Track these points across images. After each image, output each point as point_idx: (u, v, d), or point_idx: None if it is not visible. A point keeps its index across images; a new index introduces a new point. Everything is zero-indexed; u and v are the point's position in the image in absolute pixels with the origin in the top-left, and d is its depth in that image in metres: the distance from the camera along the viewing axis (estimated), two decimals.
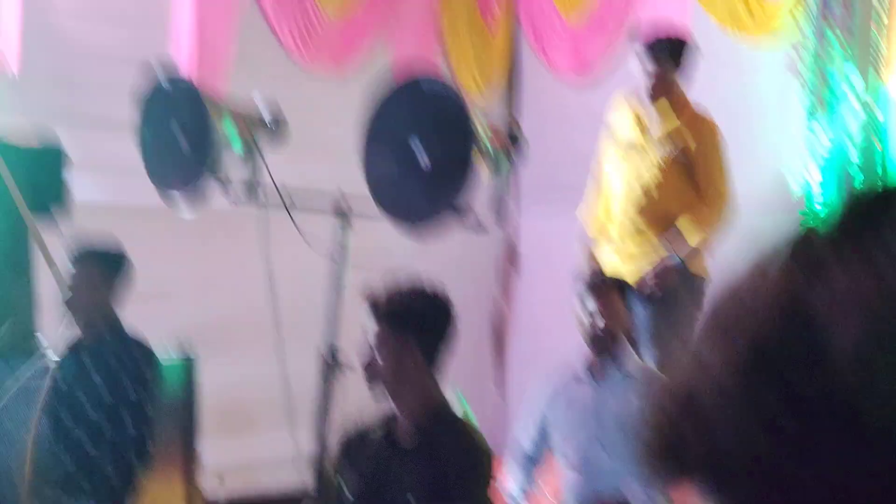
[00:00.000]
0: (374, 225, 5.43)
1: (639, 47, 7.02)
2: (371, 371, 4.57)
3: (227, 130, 5.51)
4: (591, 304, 5.80)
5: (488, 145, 5.38)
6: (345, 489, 4.64)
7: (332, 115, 7.14)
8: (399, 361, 4.51)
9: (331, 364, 5.16)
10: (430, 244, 5.58)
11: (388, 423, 4.62)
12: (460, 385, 6.99)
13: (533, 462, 5.98)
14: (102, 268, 5.83)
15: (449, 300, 4.70)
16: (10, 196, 6.48)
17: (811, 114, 8.68)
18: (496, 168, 5.55)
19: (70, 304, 5.74)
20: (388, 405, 4.64)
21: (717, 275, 6.75)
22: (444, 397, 4.64)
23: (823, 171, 8.59)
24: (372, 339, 4.55)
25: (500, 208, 5.69)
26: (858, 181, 8.53)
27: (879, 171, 8.63)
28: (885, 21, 8.70)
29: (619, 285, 6.00)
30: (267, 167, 5.53)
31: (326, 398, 5.13)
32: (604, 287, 5.90)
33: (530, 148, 5.78)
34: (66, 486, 5.82)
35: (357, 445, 4.71)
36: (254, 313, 7.00)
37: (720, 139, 6.84)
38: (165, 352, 6.39)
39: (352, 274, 5.39)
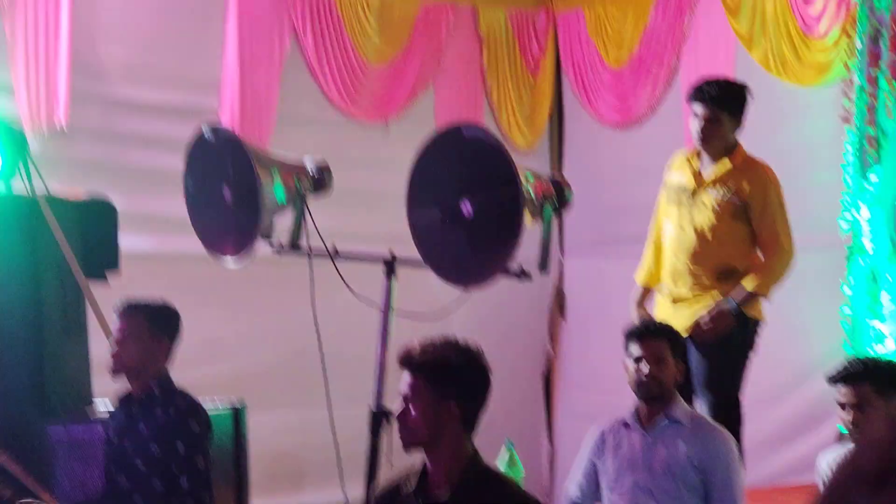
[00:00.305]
0: (421, 274, 5.42)
1: (692, 91, 6.98)
2: (404, 423, 4.55)
3: (272, 182, 5.53)
4: (637, 351, 5.77)
5: (532, 193, 5.37)
6: None
7: (376, 164, 7.17)
8: (434, 413, 4.48)
9: (379, 415, 5.14)
10: (477, 293, 5.55)
11: (421, 476, 4.59)
12: (511, 435, 6.98)
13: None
14: (150, 321, 5.83)
15: (482, 355, 4.67)
16: (62, 256, 6.44)
17: (860, 153, 8.66)
18: (541, 216, 5.54)
19: (116, 357, 5.75)
20: (421, 458, 4.60)
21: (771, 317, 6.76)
22: (476, 451, 4.59)
23: (872, 209, 8.55)
24: (405, 389, 4.52)
25: (545, 257, 5.66)
26: None
27: None
28: None
29: (668, 333, 5.96)
30: (311, 216, 5.53)
31: (375, 450, 5.11)
32: (650, 334, 5.87)
33: (575, 195, 5.76)
34: None
35: (390, 500, 4.68)
36: (302, 363, 7.00)
37: (777, 185, 6.80)
38: (213, 403, 6.40)
39: (399, 323, 5.38)
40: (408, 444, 4.55)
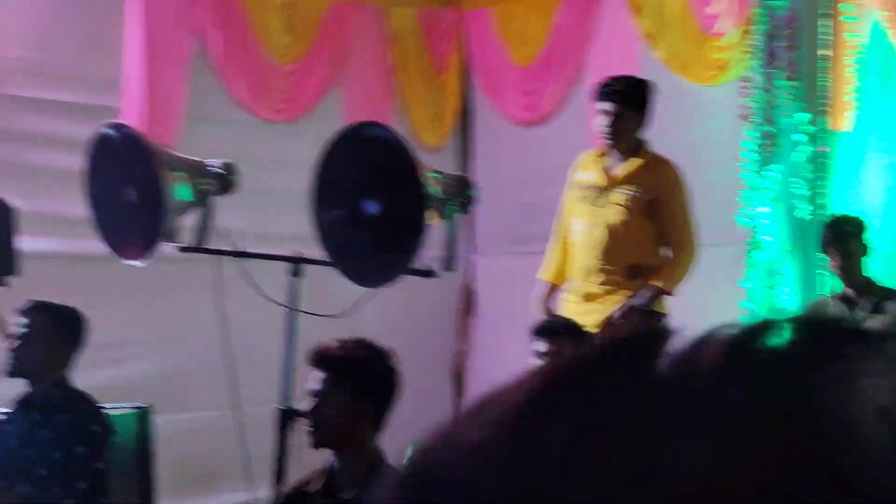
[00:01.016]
0: (327, 272, 5.44)
1: (598, 88, 7.02)
2: (315, 421, 4.55)
3: (178, 182, 5.52)
4: (542, 347, 5.80)
5: (437, 192, 5.40)
6: None
7: (284, 164, 7.15)
8: (346, 412, 4.49)
9: (286, 414, 5.14)
10: (384, 292, 5.57)
11: (328, 476, 4.59)
12: (418, 434, 6.98)
13: None
14: (55, 322, 5.78)
15: (393, 355, 4.69)
16: None
17: (758, 152, 8.79)
18: (446, 215, 5.57)
19: (16, 356, 5.68)
20: (328, 458, 4.61)
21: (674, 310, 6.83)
22: (381, 451, 4.61)
23: (771, 204, 8.68)
24: (317, 386, 4.53)
25: (451, 255, 5.70)
26: (804, 214, 8.68)
27: (824, 204, 8.80)
28: (830, 63, 8.86)
29: (571, 330, 6.00)
30: (215, 215, 5.53)
31: (283, 450, 5.12)
32: (553, 331, 5.90)
33: (486, 194, 5.80)
34: None
35: (297, 500, 4.69)
36: (210, 364, 6.98)
37: (684, 184, 6.89)
38: (117, 402, 6.35)
39: (307, 323, 5.39)
40: (317, 443, 4.58)
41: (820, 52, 8.86)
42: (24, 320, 5.71)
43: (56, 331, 5.70)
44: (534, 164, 9.46)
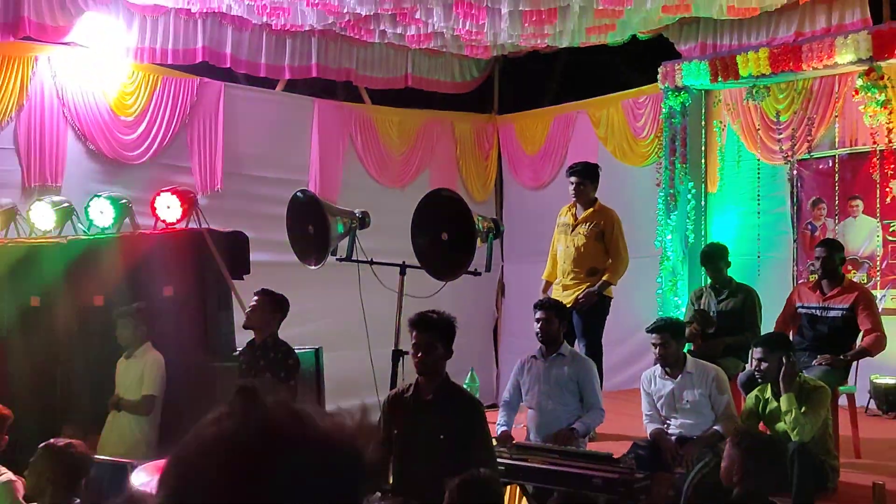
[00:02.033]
0: (420, 273, 5.46)
1: (568, 169, 7.04)
2: (420, 360, 4.52)
3: (336, 221, 5.58)
4: (539, 315, 5.79)
5: (481, 227, 5.41)
6: (392, 428, 4.59)
7: (396, 211, 7.20)
8: (432, 352, 4.48)
9: (396, 353, 5.17)
10: (454, 284, 5.58)
11: (416, 386, 4.59)
12: (473, 364, 6.98)
13: (511, 406, 5.95)
14: (271, 301, 5.79)
15: (455, 319, 4.64)
16: (217, 265, 6.44)
17: (665, 204, 8.78)
18: (485, 240, 5.60)
19: (249, 319, 5.72)
20: (419, 377, 4.57)
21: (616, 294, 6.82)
22: (447, 374, 4.58)
23: (672, 234, 8.65)
24: (419, 340, 4.50)
25: (489, 262, 5.72)
26: (691, 240, 8.70)
27: (704, 233, 8.76)
28: (705, 153, 8.85)
29: (556, 306, 5.97)
30: (358, 241, 5.58)
31: (394, 373, 5.15)
32: (545, 307, 5.88)
33: (507, 228, 5.81)
34: None
35: (397, 398, 4.67)
36: (353, 325, 7.00)
37: (618, 221, 6.87)
38: (302, 346, 6.36)
39: (407, 302, 5.40)
40: (420, 372, 4.52)
41: (700, 148, 8.87)
42: (256, 298, 5.74)
43: (271, 305, 5.73)
44: (538, 211, 9.46)
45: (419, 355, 4.48)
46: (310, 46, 9.23)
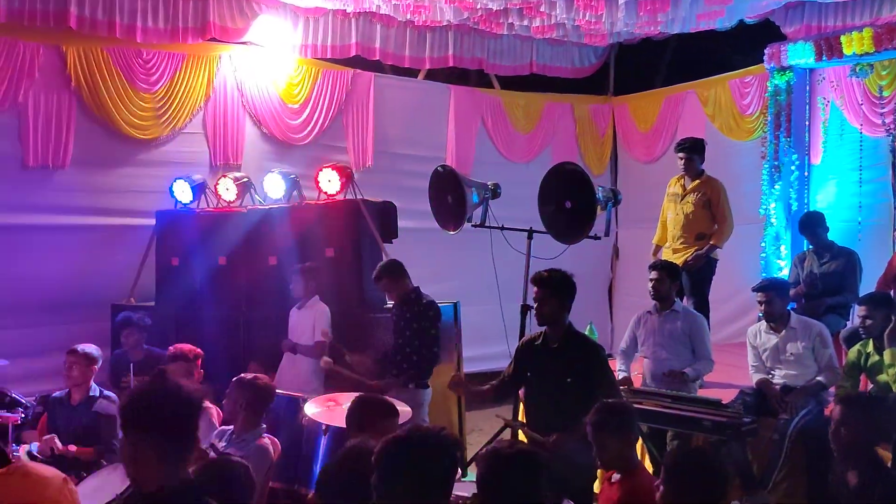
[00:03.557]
0: (545, 237, 5.41)
1: (677, 145, 6.83)
2: (540, 313, 4.47)
3: (472, 193, 5.57)
4: (653, 276, 5.67)
5: (600, 196, 5.31)
6: (525, 370, 4.57)
7: (521, 183, 7.13)
8: (550, 304, 4.42)
9: (524, 307, 5.15)
10: (574, 247, 5.49)
11: (544, 335, 4.54)
12: (591, 318, 6.89)
13: (628, 355, 5.87)
14: (395, 268, 5.77)
15: (573, 277, 4.56)
16: (370, 231, 6.48)
17: (770, 175, 8.43)
18: (604, 207, 5.49)
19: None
20: (545, 328, 4.53)
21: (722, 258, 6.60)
22: (570, 323, 4.47)
23: (776, 202, 8.30)
24: (540, 296, 4.45)
25: (608, 228, 5.61)
26: (794, 207, 8.29)
27: (806, 201, 8.37)
28: (807, 125, 8.40)
29: (668, 267, 5.83)
30: (490, 209, 5.57)
31: (522, 325, 5.13)
32: (658, 267, 5.75)
33: (622, 197, 5.69)
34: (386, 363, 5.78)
35: (527, 345, 4.63)
36: (486, 283, 6.99)
37: (724, 191, 6.64)
38: (443, 300, 6.36)
39: (534, 263, 5.36)
40: (540, 322, 4.50)
41: (804, 123, 8.44)
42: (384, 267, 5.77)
43: (400, 271, 5.70)
44: (649, 183, 9.20)
45: (537, 308, 4.46)
46: (447, 39, 9.23)
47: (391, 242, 6.66)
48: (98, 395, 4.96)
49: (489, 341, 8.12)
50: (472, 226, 5.62)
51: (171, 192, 7.34)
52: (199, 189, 7.34)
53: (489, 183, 5.71)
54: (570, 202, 5.27)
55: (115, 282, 7.17)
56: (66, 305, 6.98)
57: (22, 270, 6.85)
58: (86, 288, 7.05)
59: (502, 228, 5.53)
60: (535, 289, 4.47)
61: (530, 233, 5.46)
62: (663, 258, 6.63)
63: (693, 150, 6.68)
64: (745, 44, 9.27)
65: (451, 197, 5.61)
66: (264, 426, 4.21)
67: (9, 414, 5.05)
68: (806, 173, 8.44)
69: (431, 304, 5.66)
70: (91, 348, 5.04)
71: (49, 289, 6.84)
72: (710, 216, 6.61)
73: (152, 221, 7.37)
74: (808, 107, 8.47)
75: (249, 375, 4.23)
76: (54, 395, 5.11)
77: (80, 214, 7.27)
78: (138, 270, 7.23)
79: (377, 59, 8.86)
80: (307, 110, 8.54)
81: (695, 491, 3.02)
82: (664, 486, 3.12)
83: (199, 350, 5.16)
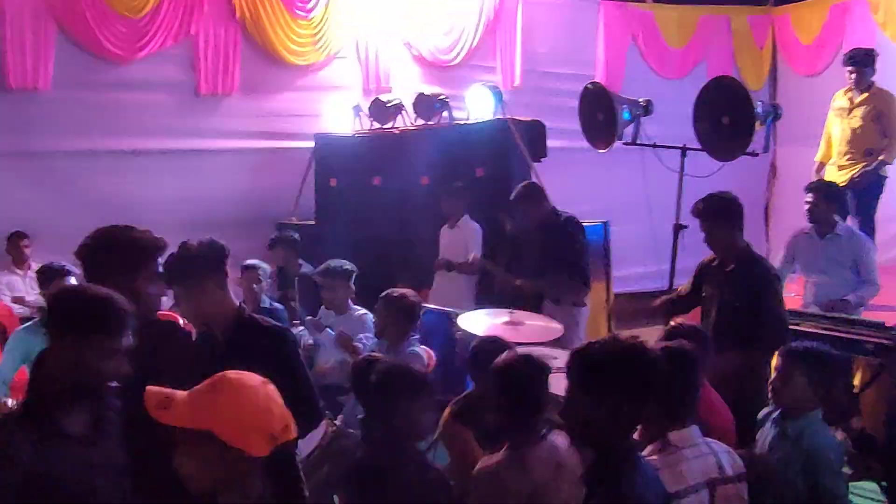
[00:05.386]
0: (698, 155, 5.22)
1: (845, 56, 6.37)
2: (706, 242, 4.28)
3: (622, 110, 5.43)
4: (809, 197, 5.35)
5: (759, 111, 5.04)
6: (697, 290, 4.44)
7: (674, 100, 6.85)
8: (714, 233, 4.21)
9: (677, 227, 5.03)
10: (728, 165, 5.26)
11: (719, 260, 4.31)
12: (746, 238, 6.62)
13: (782, 276, 5.63)
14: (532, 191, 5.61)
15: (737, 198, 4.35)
16: (520, 151, 6.42)
17: None
18: (764, 122, 5.23)
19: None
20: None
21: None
22: (748, 243, 4.28)
23: None
24: (701, 227, 4.28)
25: (767, 144, 5.35)
26: None
27: None
28: None
29: (825, 187, 5.48)
30: (641, 126, 5.42)
31: (675, 245, 5.02)
32: (813, 189, 5.42)
33: (783, 112, 5.38)
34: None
35: (704, 268, 4.44)
36: (636, 200, 6.86)
37: (895, 102, 6.15)
38: (591, 220, 6.24)
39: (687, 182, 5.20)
40: (714, 251, 4.32)
41: None
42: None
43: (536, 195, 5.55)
44: (811, 98, 8.63)
45: (704, 238, 4.31)
46: None
47: (540, 161, 6.61)
48: (269, 307, 5.27)
49: (640, 261, 8.02)
50: (623, 144, 5.49)
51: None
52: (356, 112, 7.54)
53: (641, 100, 5.54)
54: (728, 117, 5.05)
55: (278, 201, 7.53)
56: (234, 224, 7.27)
57: (194, 191, 7.29)
58: (251, 207, 7.45)
59: (654, 146, 5.38)
60: (700, 220, 4.29)
61: (684, 150, 5.29)
62: (827, 176, 6.27)
63: (865, 62, 6.30)
64: None
65: (601, 114, 5.50)
66: (416, 336, 4.33)
67: None
68: None
69: (571, 219, 5.51)
70: (261, 264, 5.34)
71: (218, 209, 7.23)
72: (880, 130, 6.21)
73: (311, 144, 7.64)
74: None
75: (397, 292, 4.32)
76: None
77: (245, 138, 7.67)
78: (299, 190, 7.55)
79: None
80: (454, 30, 8.51)
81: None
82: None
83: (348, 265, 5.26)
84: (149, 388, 1.79)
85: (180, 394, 1.80)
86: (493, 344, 3.39)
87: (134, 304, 2.20)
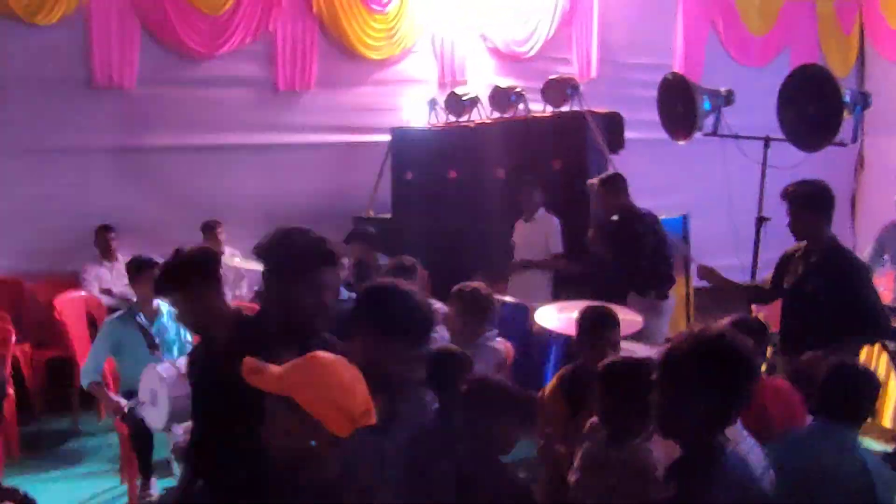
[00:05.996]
0: (781, 146, 5.05)
1: None
2: (790, 227, 4.13)
3: (703, 100, 5.30)
4: None
5: (847, 99, 4.85)
6: (780, 281, 4.30)
7: (756, 89, 6.63)
8: (799, 219, 4.05)
9: (759, 220, 4.88)
10: (814, 156, 5.07)
11: (806, 248, 4.15)
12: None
13: (871, 270, 5.41)
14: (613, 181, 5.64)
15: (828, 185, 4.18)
16: (597, 143, 6.26)
17: None
18: (852, 111, 5.03)
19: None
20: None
21: None
22: (834, 236, 4.10)
23: None
24: (787, 211, 4.13)
25: (855, 134, 5.14)
26: None
27: None
28: None
29: None
30: (723, 117, 5.28)
31: (757, 238, 4.87)
32: None
33: (872, 100, 5.17)
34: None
35: (787, 258, 4.32)
36: (717, 193, 6.67)
37: None
38: (667, 214, 6.11)
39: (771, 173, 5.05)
40: (797, 238, 4.17)
41: None
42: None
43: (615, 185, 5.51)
44: None
45: (788, 223, 4.14)
46: None
47: (618, 154, 6.50)
48: (346, 297, 5.32)
49: (720, 255, 7.76)
50: (704, 135, 5.36)
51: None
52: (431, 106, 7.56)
53: (721, 89, 5.41)
54: (814, 107, 4.88)
55: (355, 195, 7.60)
56: (312, 217, 7.32)
57: (273, 186, 7.41)
58: (329, 201, 7.52)
59: (736, 137, 5.25)
60: (786, 204, 4.14)
61: (767, 141, 5.13)
62: None
63: None
64: None
65: (680, 105, 5.38)
66: (495, 331, 4.30)
67: None
68: None
69: (648, 213, 5.50)
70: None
71: (296, 203, 7.31)
72: None
73: (387, 137, 7.69)
74: None
75: (469, 286, 4.28)
76: None
77: (322, 133, 7.75)
78: (375, 184, 7.60)
79: None
80: (530, 22, 8.43)
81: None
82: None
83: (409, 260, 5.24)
84: (247, 357, 1.88)
85: (274, 366, 1.89)
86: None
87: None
